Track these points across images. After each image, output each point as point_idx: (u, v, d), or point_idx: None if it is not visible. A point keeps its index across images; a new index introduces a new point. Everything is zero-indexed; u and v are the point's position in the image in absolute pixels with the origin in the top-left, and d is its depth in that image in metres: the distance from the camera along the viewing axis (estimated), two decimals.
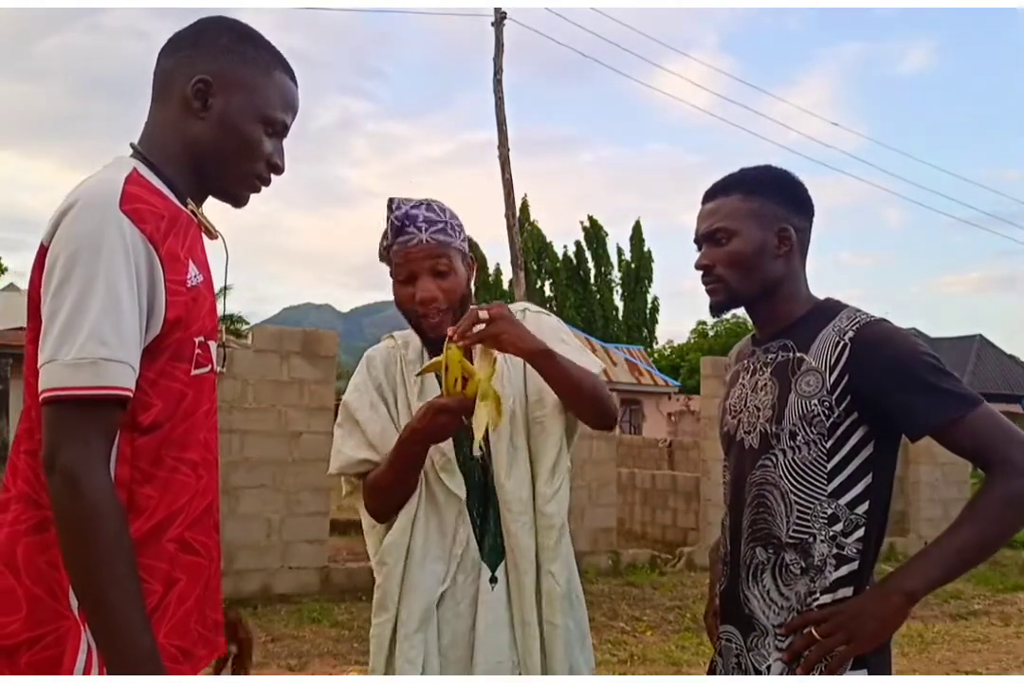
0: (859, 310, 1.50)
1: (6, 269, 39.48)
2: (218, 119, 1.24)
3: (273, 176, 1.33)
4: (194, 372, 1.20)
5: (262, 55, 1.28)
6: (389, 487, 1.69)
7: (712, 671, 1.61)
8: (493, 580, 1.66)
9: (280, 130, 1.30)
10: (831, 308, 1.52)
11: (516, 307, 1.85)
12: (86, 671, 1.07)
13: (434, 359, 1.58)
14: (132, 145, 1.27)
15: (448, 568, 1.66)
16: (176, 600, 1.17)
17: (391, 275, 1.76)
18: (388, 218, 1.71)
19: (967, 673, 4.92)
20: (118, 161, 1.23)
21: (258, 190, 1.33)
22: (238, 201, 1.33)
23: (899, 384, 1.40)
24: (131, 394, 1.10)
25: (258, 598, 5.98)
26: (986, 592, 7.23)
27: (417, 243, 1.68)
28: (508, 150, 14.42)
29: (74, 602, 1.09)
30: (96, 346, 1.06)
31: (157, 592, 1.14)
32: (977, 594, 7.16)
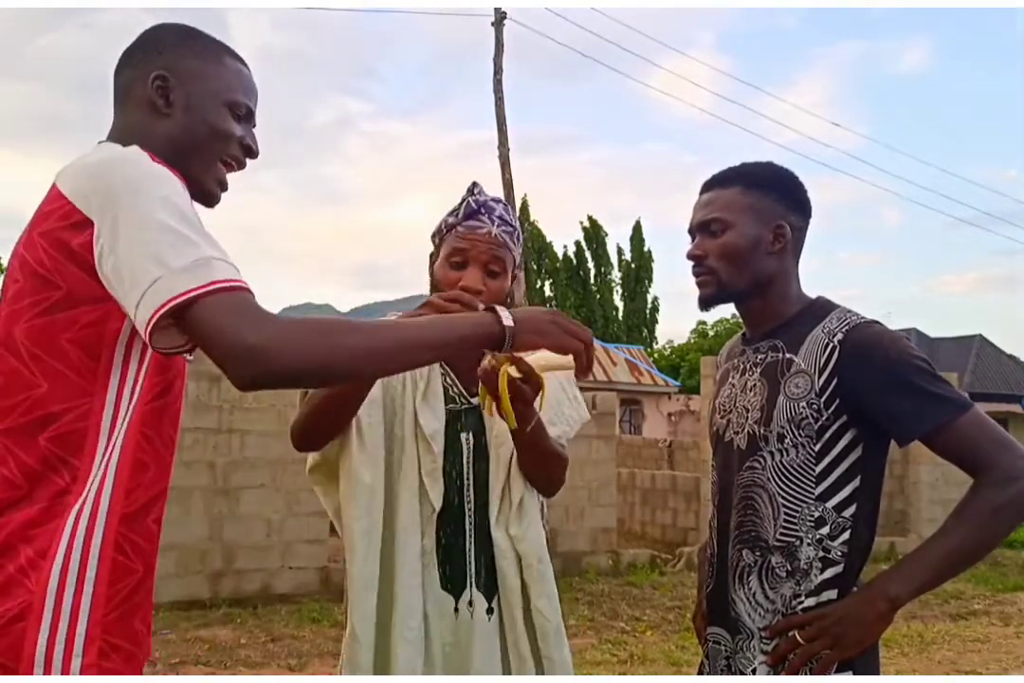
0: (850, 311, 1.49)
1: (5, 269, 39.58)
2: (183, 112, 1.24)
3: (249, 161, 1.33)
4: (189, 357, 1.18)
5: (208, 45, 1.29)
6: (328, 400, 1.55)
7: (700, 673, 1.60)
8: (490, 611, 1.65)
9: (246, 114, 1.30)
10: (822, 308, 1.51)
11: None
12: (48, 649, 1.04)
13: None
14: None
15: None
16: (148, 588, 1.17)
17: (437, 252, 1.71)
18: (465, 199, 1.68)
19: (967, 673, 4.92)
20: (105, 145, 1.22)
21: (232, 170, 1.32)
22: (210, 199, 1.30)
23: (888, 388, 1.39)
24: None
25: (258, 598, 5.98)
26: (986, 592, 7.22)
27: (486, 234, 1.65)
28: (508, 150, 14.41)
29: (53, 576, 1.05)
30: (214, 250, 1.04)
31: (137, 572, 1.14)
32: (977, 594, 7.15)
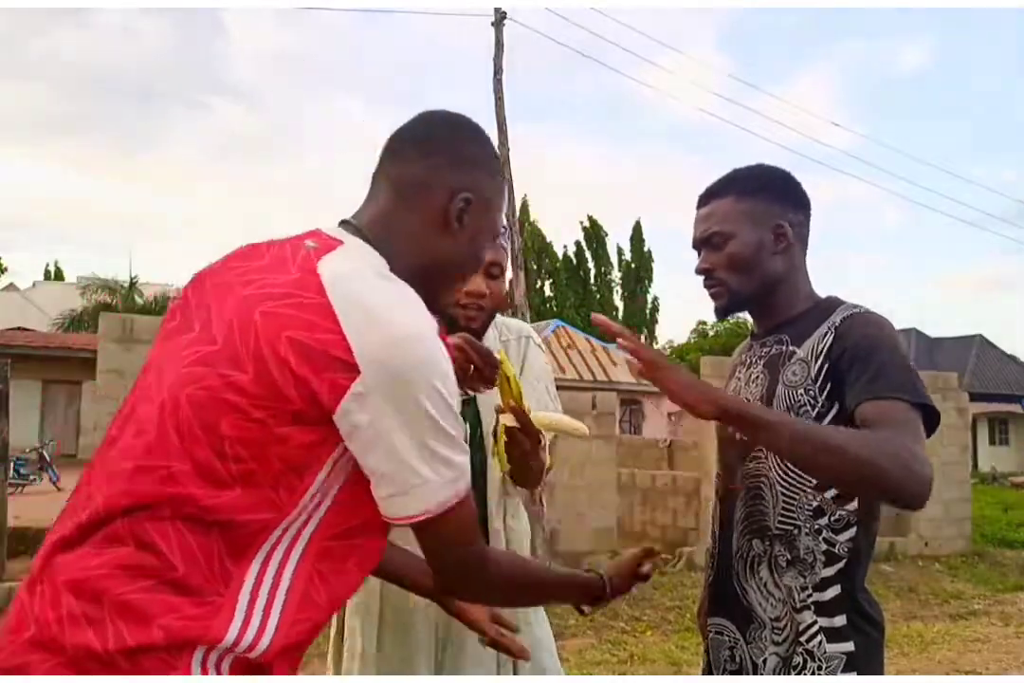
0: (856, 306, 1.51)
1: (5, 269, 39.54)
2: (467, 238, 1.20)
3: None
4: None
5: (496, 161, 1.27)
6: None
7: (707, 668, 1.60)
8: None
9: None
10: (830, 306, 1.53)
11: (518, 328, 1.89)
12: None
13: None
14: (357, 227, 1.16)
15: None
16: None
17: None
18: None
19: (967, 673, 4.92)
20: (378, 266, 1.10)
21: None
22: (443, 309, 1.28)
23: (854, 360, 1.39)
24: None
25: None
26: (986, 592, 7.23)
27: None
28: (508, 150, 14.43)
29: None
30: (461, 454, 1.08)
31: None
32: (977, 594, 7.16)
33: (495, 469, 1.69)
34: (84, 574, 0.96)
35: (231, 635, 0.97)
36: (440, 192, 1.17)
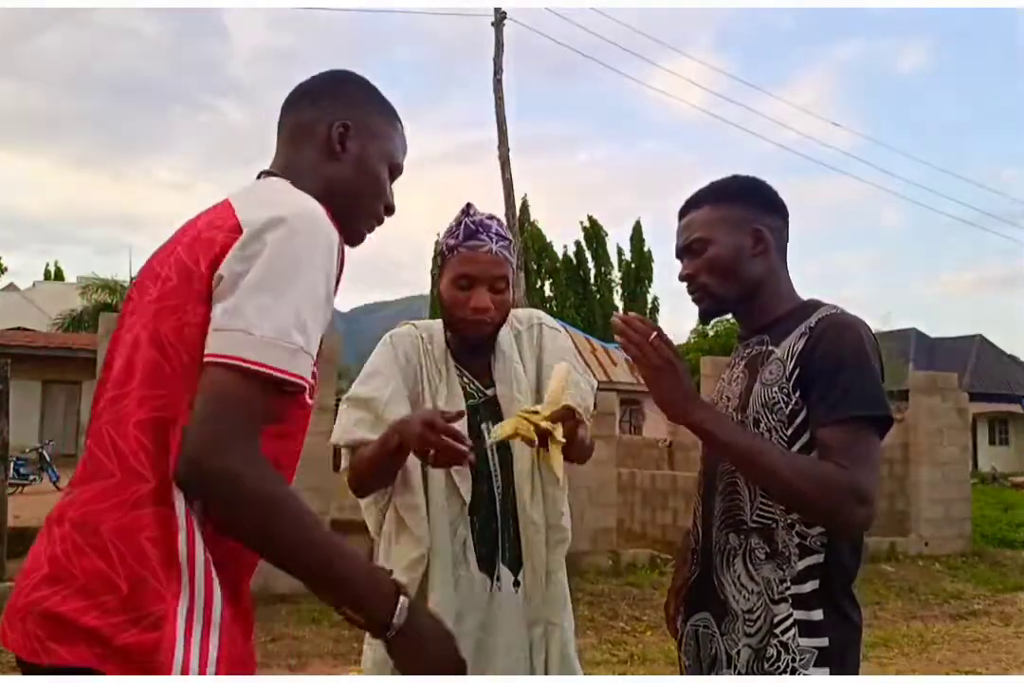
0: (835, 307, 1.53)
1: (5, 269, 39.57)
2: (355, 160, 1.34)
3: (386, 217, 1.42)
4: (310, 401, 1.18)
5: (387, 108, 1.41)
6: (366, 472, 1.71)
7: (688, 664, 1.61)
8: (517, 584, 1.76)
9: (398, 175, 1.42)
10: (810, 308, 1.54)
11: (528, 316, 1.93)
12: (185, 659, 1.02)
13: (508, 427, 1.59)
14: (270, 172, 1.33)
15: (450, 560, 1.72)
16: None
17: (441, 272, 1.79)
18: (462, 221, 1.76)
19: (967, 673, 4.92)
20: (285, 185, 1.26)
21: (373, 230, 1.41)
22: (357, 239, 1.39)
23: (819, 380, 1.41)
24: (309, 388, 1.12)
25: (258, 598, 5.94)
26: (986, 592, 7.23)
27: (487, 252, 1.74)
28: (508, 150, 14.44)
29: (184, 583, 1.04)
30: (298, 335, 1.07)
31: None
32: (977, 594, 7.16)
33: (521, 461, 1.77)
34: (82, 510, 1.08)
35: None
36: (322, 126, 1.34)
